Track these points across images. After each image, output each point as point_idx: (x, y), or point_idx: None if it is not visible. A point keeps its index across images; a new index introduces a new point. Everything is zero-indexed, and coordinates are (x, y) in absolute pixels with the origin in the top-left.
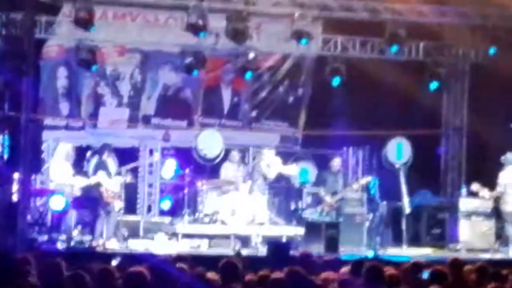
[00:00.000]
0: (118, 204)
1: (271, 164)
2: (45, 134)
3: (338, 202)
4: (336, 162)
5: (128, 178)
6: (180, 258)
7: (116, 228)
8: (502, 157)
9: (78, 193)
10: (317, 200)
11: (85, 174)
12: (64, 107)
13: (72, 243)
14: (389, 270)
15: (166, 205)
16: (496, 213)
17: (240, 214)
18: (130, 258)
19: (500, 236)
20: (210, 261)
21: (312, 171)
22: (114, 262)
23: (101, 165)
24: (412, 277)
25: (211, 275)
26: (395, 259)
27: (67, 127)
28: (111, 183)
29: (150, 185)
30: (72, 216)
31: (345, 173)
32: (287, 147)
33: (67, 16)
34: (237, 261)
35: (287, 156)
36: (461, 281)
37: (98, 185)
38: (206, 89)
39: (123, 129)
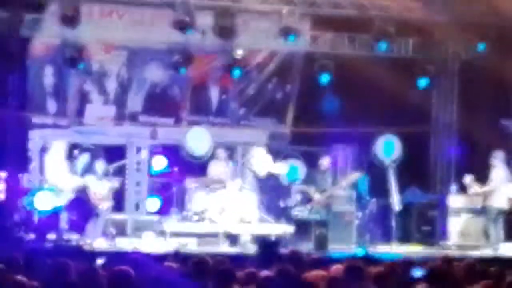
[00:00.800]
0: (107, 204)
1: (262, 161)
2: (32, 133)
3: (327, 200)
4: (325, 161)
5: (116, 183)
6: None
7: (105, 227)
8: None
9: (70, 193)
10: (306, 198)
11: (75, 173)
12: (51, 105)
13: (60, 242)
14: (376, 268)
15: (154, 204)
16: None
17: (228, 212)
18: (117, 257)
19: (489, 233)
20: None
21: (301, 168)
22: (99, 261)
23: (89, 168)
24: (402, 275)
25: None
26: (385, 257)
27: (54, 125)
28: (99, 187)
29: (138, 183)
30: (60, 215)
31: (334, 170)
32: (276, 144)
33: (53, 14)
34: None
35: (276, 154)
36: (451, 278)
37: (85, 188)
38: (194, 87)
39: (110, 127)
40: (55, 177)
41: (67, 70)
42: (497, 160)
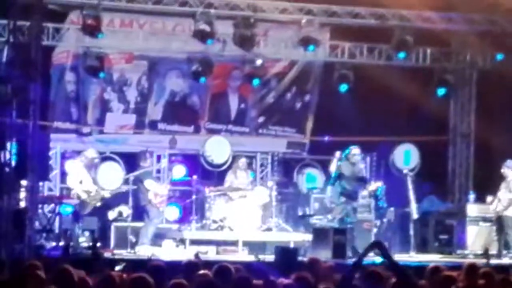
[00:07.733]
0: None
1: None
2: (54, 142)
3: (342, 211)
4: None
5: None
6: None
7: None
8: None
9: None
10: (324, 207)
11: (94, 181)
12: (74, 112)
13: (80, 250)
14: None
15: (173, 212)
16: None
17: (247, 220)
18: (135, 265)
19: (507, 241)
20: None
21: (319, 177)
22: (117, 268)
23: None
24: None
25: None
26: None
27: (76, 132)
28: (160, 189)
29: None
30: (80, 222)
31: None
32: (295, 153)
33: (75, 23)
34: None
35: (295, 163)
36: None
37: (146, 191)
38: (213, 95)
39: (130, 135)
40: (75, 184)
41: (87, 78)
42: (510, 170)
